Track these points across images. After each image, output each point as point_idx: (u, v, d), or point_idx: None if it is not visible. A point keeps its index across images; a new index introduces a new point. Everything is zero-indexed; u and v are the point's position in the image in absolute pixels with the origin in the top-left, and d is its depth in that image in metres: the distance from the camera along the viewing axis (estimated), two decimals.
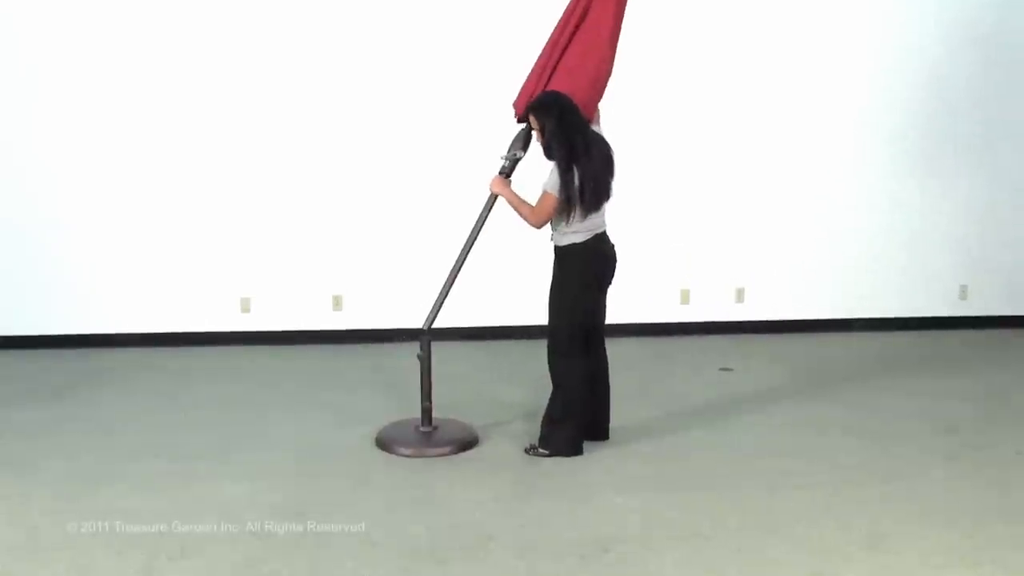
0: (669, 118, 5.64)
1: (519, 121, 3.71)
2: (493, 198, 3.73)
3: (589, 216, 3.53)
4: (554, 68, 3.61)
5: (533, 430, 3.84)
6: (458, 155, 5.40)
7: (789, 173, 5.82)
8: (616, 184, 3.61)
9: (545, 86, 3.61)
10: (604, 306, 3.77)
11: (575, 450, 3.65)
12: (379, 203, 5.55)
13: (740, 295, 5.89)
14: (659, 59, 5.54)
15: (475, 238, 3.76)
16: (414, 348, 3.85)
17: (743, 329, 5.88)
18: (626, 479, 3.42)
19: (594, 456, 3.65)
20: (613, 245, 3.69)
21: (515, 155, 3.69)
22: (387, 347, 5.45)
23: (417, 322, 3.85)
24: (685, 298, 5.85)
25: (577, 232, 3.56)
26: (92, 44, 5.26)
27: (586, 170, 3.48)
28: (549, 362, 3.67)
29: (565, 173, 3.46)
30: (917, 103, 5.79)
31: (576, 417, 3.64)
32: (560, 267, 3.64)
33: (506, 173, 3.71)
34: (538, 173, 3.56)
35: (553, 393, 3.68)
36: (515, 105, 3.73)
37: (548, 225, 3.63)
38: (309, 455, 3.67)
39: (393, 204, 5.54)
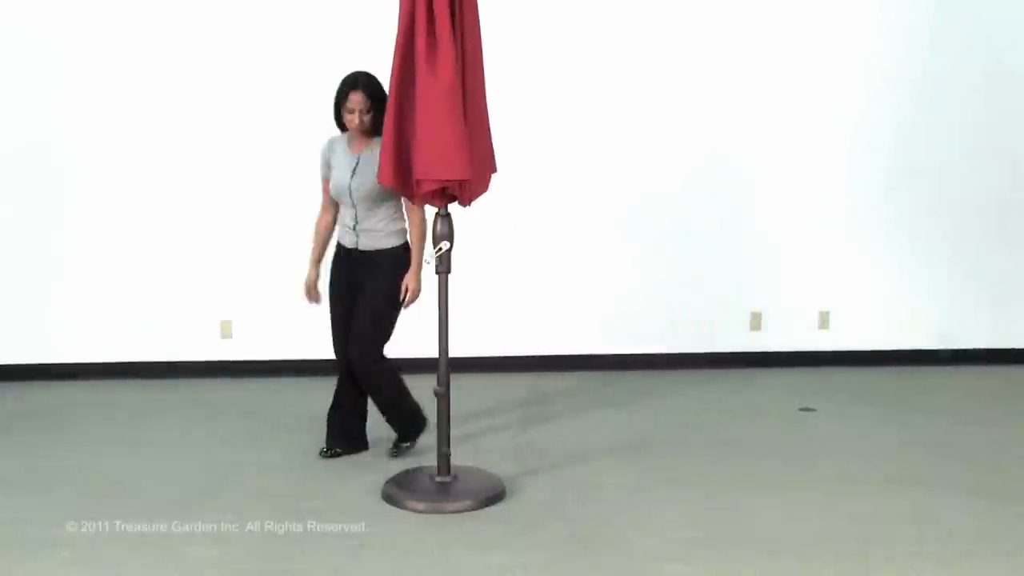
0: (742, 114, 5.66)
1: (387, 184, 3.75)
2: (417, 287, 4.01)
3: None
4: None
5: (575, 480, 3.92)
6: None
7: (885, 171, 5.79)
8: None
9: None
10: None
11: (424, 421, 4.25)
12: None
13: (825, 320, 5.87)
14: (747, 57, 5.62)
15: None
16: (428, 381, 3.84)
17: (828, 361, 5.85)
18: (680, 542, 3.38)
19: (642, 512, 3.64)
20: None
21: (441, 248, 3.76)
22: None
23: (431, 351, 3.82)
24: (757, 323, 5.83)
25: (404, 229, 4.05)
26: (35, 58, 5.33)
27: None
28: (366, 372, 4.04)
29: None
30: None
31: (406, 398, 4.18)
32: (390, 272, 4.00)
33: (431, 265, 3.83)
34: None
35: (374, 398, 4.17)
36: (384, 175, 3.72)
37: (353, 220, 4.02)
38: (298, 511, 3.60)
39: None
